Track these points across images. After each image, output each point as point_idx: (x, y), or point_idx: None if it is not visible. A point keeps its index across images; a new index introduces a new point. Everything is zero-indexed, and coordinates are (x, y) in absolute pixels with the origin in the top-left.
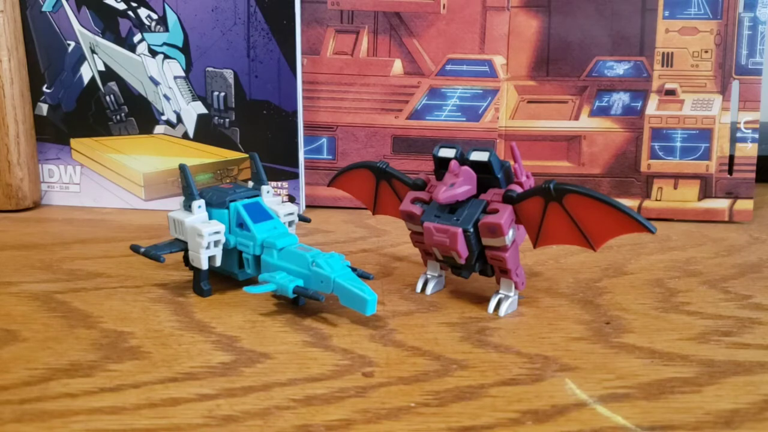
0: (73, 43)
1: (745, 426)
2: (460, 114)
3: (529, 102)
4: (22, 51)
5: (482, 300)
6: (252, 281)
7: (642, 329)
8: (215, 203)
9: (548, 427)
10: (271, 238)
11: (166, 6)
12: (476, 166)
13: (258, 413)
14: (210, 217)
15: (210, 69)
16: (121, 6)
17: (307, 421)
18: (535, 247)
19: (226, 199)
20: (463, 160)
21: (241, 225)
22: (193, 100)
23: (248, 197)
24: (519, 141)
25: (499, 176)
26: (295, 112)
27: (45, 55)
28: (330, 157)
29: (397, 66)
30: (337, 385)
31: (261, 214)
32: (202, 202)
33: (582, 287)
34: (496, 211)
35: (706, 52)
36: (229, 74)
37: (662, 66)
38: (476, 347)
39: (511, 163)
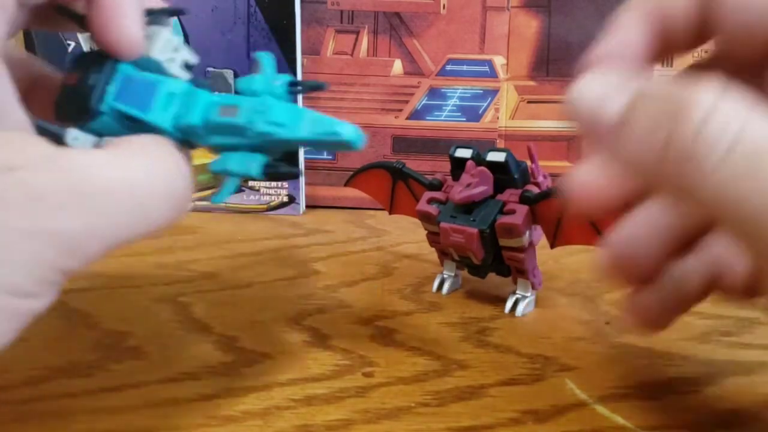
0: (73, 43)
1: (745, 426)
2: (460, 114)
3: (529, 102)
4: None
5: (482, 300)
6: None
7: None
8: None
9: (548, 427)
10: (179, 117)
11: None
12: (493, 166)
13: (258, 413)
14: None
15: (210, 69)
16: None
17: (307, 421)
18: (552, 247)
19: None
20: (479, 160)
21: (132, 120)
22: None
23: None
24: (519, 141)
25: (515, 177)
26: None
27: (45, 55)
28: (330, 157)
29: (397, 66)
30: (337, 385)
31: (142, 90)
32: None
33: (582, 287)
34: (513, 212)
35: (706, 52)
36: (229, 74)
37: (662, 66)
38: (476, 347)
39: (528, 163)
